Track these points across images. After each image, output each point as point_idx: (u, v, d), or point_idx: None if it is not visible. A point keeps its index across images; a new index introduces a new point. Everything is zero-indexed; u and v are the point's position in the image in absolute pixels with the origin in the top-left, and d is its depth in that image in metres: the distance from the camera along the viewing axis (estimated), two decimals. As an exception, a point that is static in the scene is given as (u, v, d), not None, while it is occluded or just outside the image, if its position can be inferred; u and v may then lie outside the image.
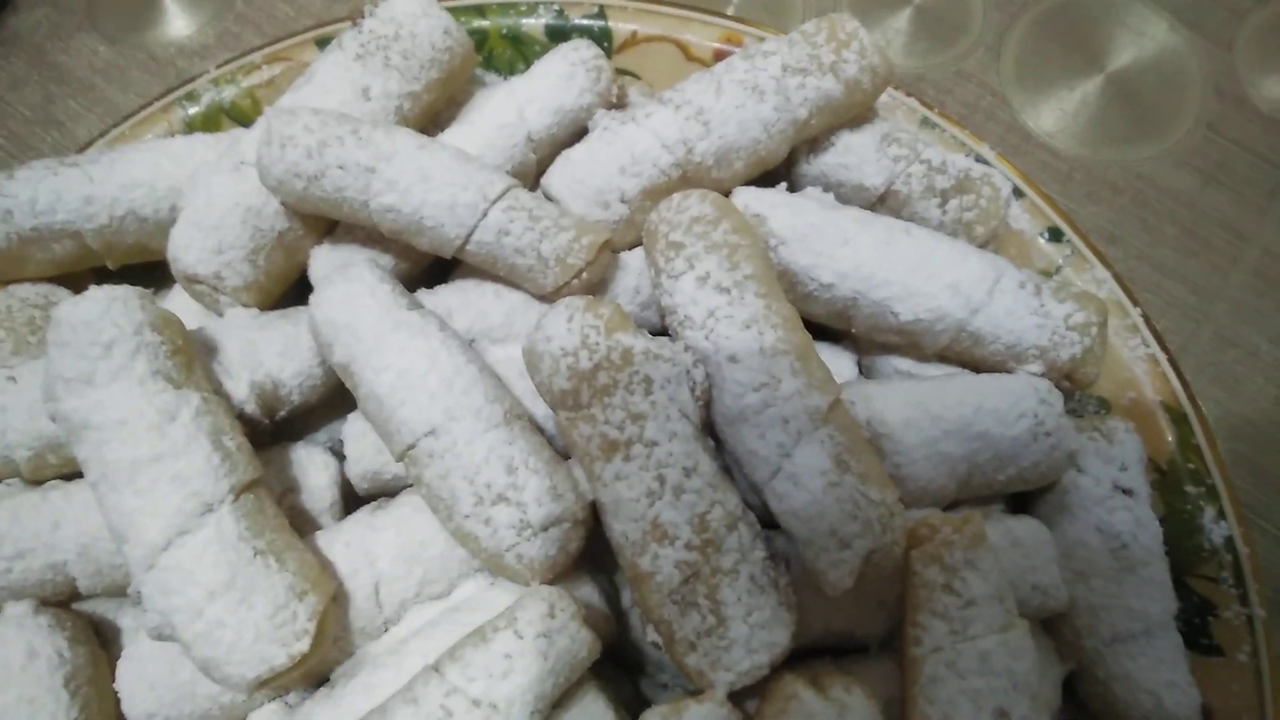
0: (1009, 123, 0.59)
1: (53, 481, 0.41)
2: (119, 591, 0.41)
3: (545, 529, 0.36)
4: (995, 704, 0.35)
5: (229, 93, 0.52)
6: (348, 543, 0.39)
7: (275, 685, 0.35)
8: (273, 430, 0.42)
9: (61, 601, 0.41)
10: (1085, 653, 0.42)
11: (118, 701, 0.39)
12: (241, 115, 0.52)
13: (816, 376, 0.38)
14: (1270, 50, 0.61)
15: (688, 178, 0.43)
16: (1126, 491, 0.43)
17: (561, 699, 0.37)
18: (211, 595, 0.34)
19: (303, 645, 0.35)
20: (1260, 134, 0.58)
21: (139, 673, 0.38)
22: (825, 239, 0.43)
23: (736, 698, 0.36)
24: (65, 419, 0.36)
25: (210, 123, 0.52)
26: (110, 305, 0.36)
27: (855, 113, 0.46)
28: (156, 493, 0.35)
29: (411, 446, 0.37)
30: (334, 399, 0.44)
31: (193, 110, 0.52)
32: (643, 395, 0.37)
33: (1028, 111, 0.59)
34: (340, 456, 0.42)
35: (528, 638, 0.35)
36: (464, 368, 0.38)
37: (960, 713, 0.35)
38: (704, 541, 0.36)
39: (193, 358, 0.38)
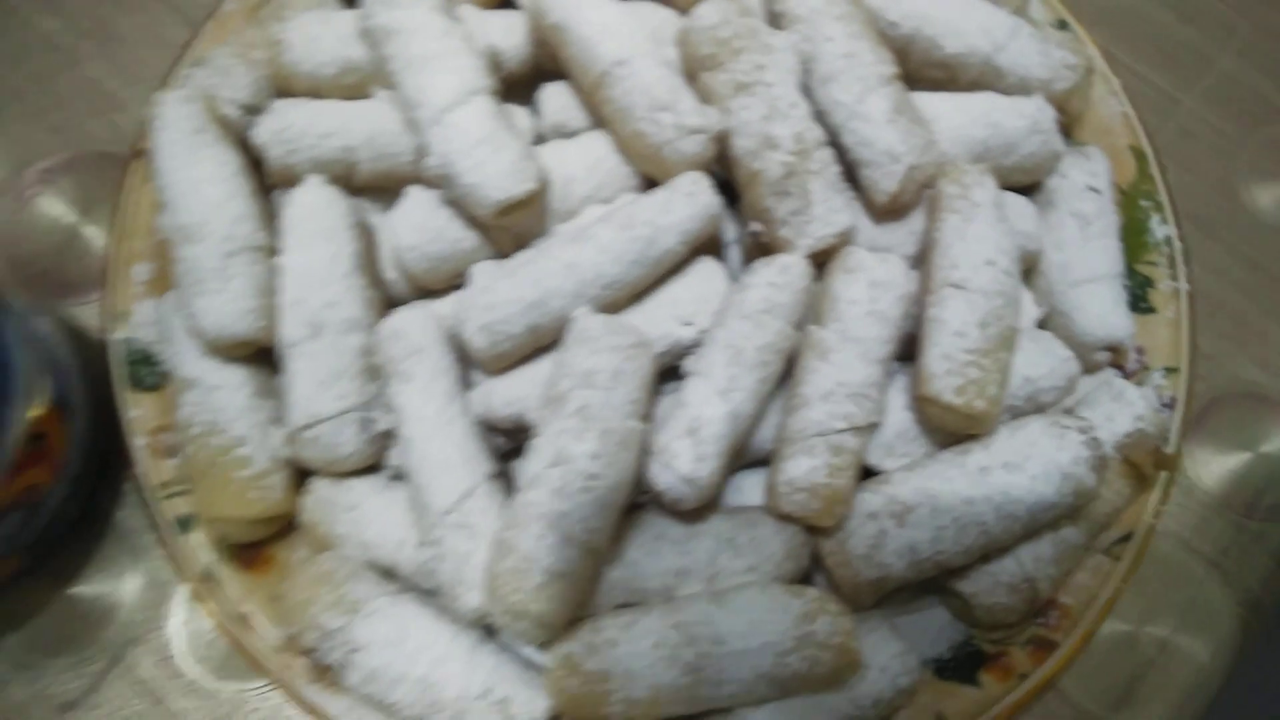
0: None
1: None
2: (385, 182, 0.59)
3: (693, 133, 0.54)
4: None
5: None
6: (550, 150, 0.57)
7: (509, 213, 0.53)
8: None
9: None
10: (1055, 295, 0.58)
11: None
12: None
13: (883, 56, 0.56)
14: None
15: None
16: (1095, 190, 0.61)
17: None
18: (478, 142, 0.51)
19: (531, 186, 0.52)
20: None
21: (408, 213, 0.55)
22: (896, -10, 0.60)
23: (811, 259, 0.54)
24: (380, 28, 0.54)
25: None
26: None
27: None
28: (442, 75, 0.52)
29: (604, 73, 0.55)
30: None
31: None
32: (763, 54, 0.54)
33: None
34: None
35: (680, 193, 0.52)
36: (640, 30, 0.55)
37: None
38: (800, 150, 0.53)
39: (454, 13, 0.57)
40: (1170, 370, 0.57)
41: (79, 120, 0.72)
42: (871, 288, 0.51)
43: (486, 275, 0.54)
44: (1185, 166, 0.71)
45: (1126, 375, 0.58)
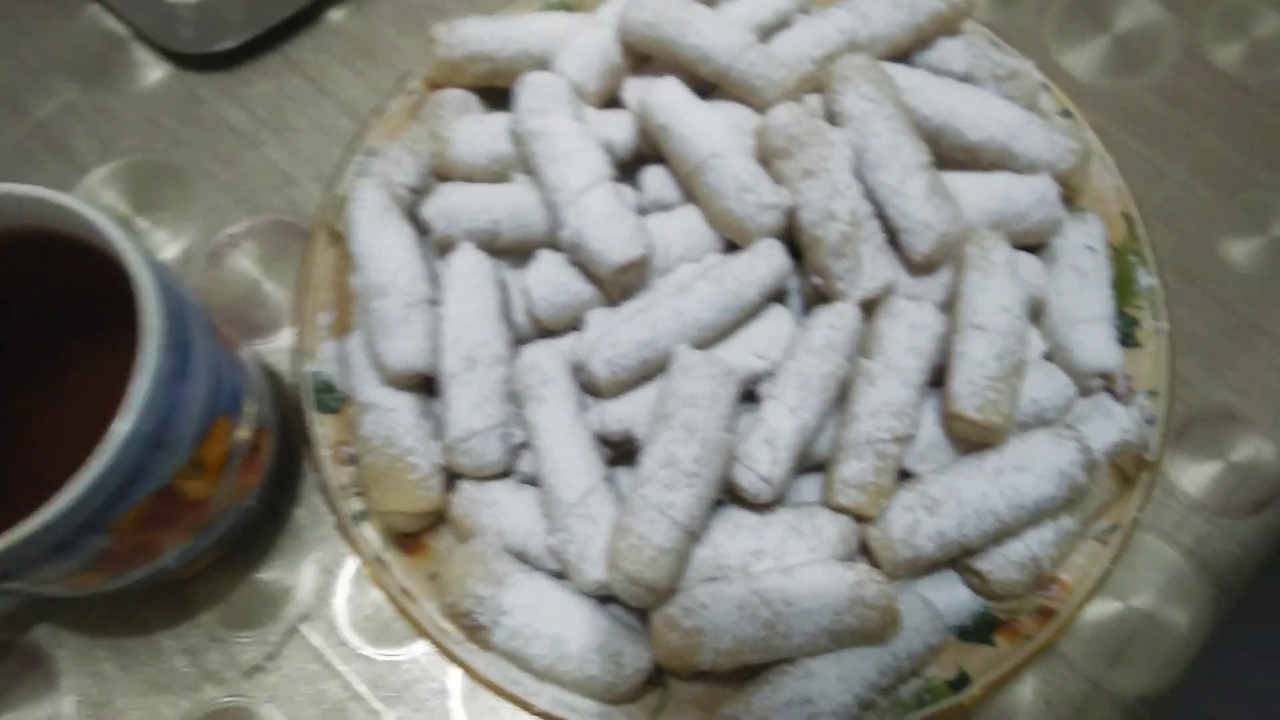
0: (1045, 58, 0.91)
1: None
2: (518, 247, 0.73)
3: (770, 208, 0.68)
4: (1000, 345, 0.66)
5: (566, -6, 0.86)
6: (651, 221, 0.72)
7: (623, 275, 0.67)
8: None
9: (482, 251, 0.74)
10: (1058, 333, 0.69)
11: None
12: (573, 8, 0.86)
13: (921, 148, 0.69)
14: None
15: (851, 49, 0.76)
16: (1091, 249, 0.74)
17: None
18: (604, 217, 0.65)
19: (643, 251, 0.66)
20: (1210, 80, 0.91)
21: (541, 270, 0.69)
22: (929, 90, 0.73)
23: (862, 306, 0.67)
24: (528, 131, 0.69)
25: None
26: (555, 80, 0.70)
27: (950, 27, 0.79)
28: (578, 167, 0.66)
29: (701, 163, 0.69)
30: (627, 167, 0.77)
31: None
32: (826, 147, 0.68)
33: (1057, 52, 0.91)
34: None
35: (761, 255, 0.67)
36: (730, 129, 0.70)
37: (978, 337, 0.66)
38: (854, 222, 0.67)
39: (583, 117, 0.72)
40: (1152, 393, 0.69)
41: (260, 194, 0.88)
42: (910, 329, 0.65)
43: (602, 320, 0.69)
44: (1172, 226, 0.84)
45: (1117, 397, 0.70)
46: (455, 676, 0.72)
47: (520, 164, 0.72)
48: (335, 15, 0.96)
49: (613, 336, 0.65)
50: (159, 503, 0.59)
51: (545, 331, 0.74)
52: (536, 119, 0.69)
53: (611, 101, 0.79)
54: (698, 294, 0.65)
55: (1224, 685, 0.80)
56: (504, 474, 0.70)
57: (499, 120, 0.73)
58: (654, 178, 0.75)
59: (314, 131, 0.90)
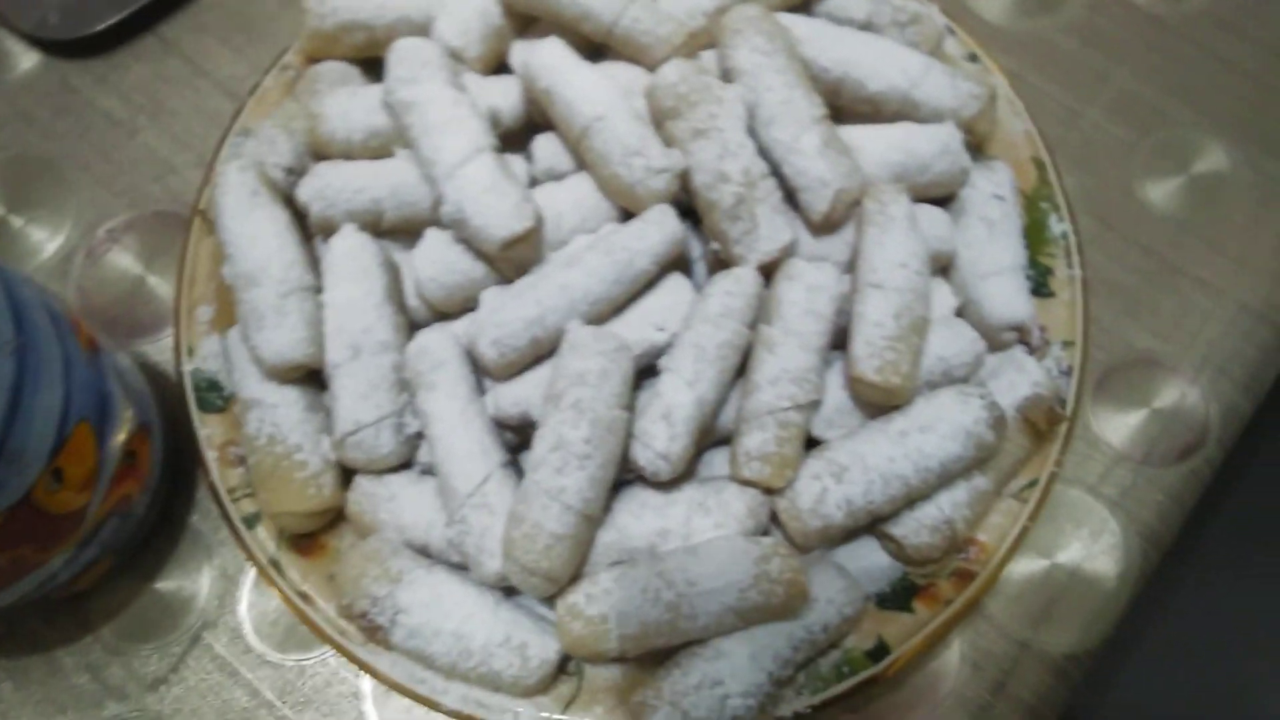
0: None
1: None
2: (406, 226, 0.69)
3: (660, 172, 0.65)
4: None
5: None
6: (541, 192, 0.68)
7: (511, 247, 0.64)
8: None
9: (366, 233, 0.70)
10: (967, 287, 0.68)
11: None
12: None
13: (815, 101, 0.66)
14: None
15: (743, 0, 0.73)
16: (999, 197, 0.71)
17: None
18: (484, 190, 0.62)
19: (529, 224, 0.63)
20: (1124, 15, 0.88)
21: (427, 251, 0.66)
22: (826, 39, 0.70)
23: (762, 270, 0.65)
24: (400, 102, 0.65)
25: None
26: (427, 46, 0.66)
27: (849, -27, 0.76)
28: (454, 139, 0.62)
29: (586, 128, 0.66)
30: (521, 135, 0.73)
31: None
32: (716, 105, 0.65)
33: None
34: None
35: (651, 223, 0.64)
36: (614, 90, 0.67)
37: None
38: (748, 182, 0.64)
39: (461, 84, 0.68)
40: (1068, 343, 0.67)
41: (139, 184, 0.84)
42: (808, 291, 0.62)
43: (494, 299, 0.65)
44: (1087, 170, 0.82)
45: (1031, 350, 0.67)
46: (368, 679, 0.69)
47: (400, 138, 0.68)
48: (214, -10, 0.91)
49: (499, 316, 0.62)
50: (18, 518, 0.56)
51: (442, 315, 0.70)
52: (407, 89, 0.65)
53: (501, 67, 0.75)
54: (586, 266, 0.62)
55: (1155, 640, 0.78)
56: (404, 465, 0.67)
57: (374, 92, 0.69)
58: (545, 146, 0.71)
59: (193, 115, 0.85)
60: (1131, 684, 0.78)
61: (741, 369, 0.64)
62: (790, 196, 0.67)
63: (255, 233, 0.64)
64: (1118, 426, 0.74)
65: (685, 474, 0.62)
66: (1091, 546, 0.70)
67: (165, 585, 0.72)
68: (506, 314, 0.62)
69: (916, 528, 0.61)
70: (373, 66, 0.75)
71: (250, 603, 0.72)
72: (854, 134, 0.68)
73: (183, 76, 0.87)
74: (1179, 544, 0.71)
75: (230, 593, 0.72)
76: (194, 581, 0.73)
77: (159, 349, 0.78)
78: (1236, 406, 0.74)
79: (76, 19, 0.86)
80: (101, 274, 0.81)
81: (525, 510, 0.58)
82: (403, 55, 0.65)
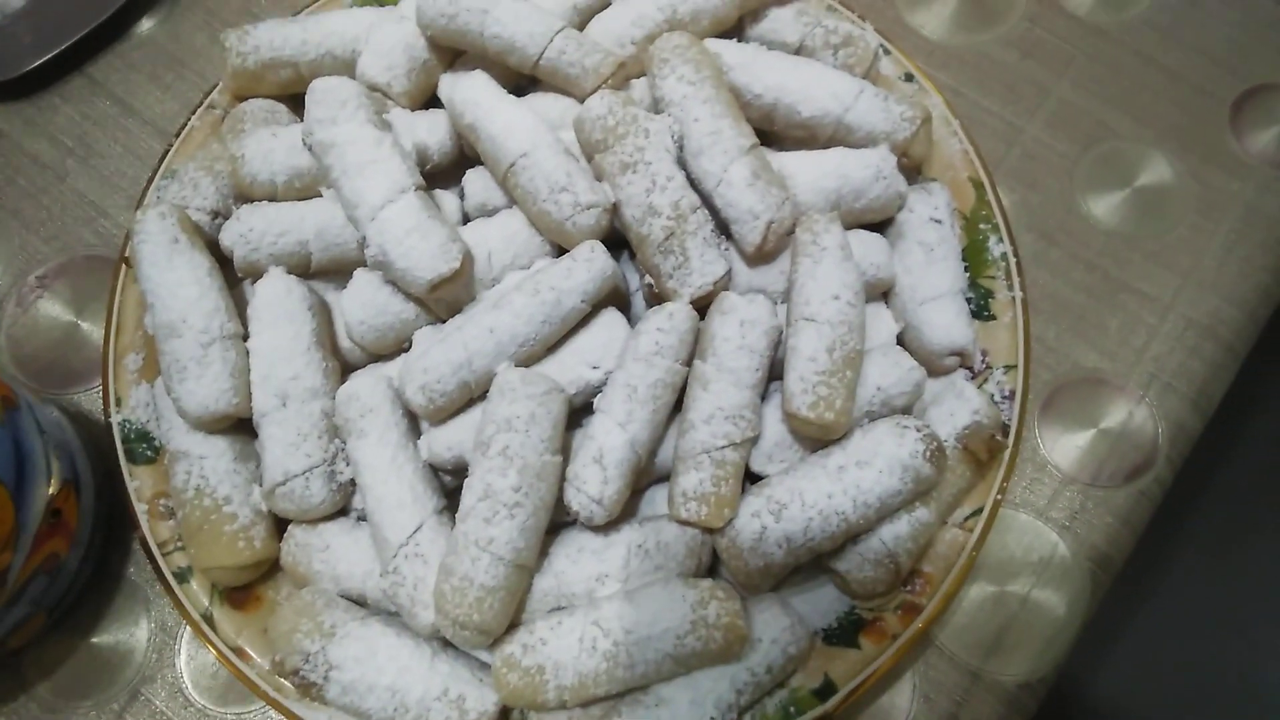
0: (893, 17, 0.87)
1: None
2: (336, 267, 0.68)
3: (589, 208, 0.63)
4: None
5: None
6: (472, 229, 0.67)
7: (439, 288, 0.62)
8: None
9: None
10: (907, 312, 0.66)
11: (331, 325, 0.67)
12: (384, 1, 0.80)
13: (744, 130, 0.65)
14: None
15: (672, 27, 0.71)
16: (937, 221, 0.70)
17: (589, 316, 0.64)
18: (407, 232, 0.60)
19: (454, 264, 0.62)
20: (1064, 26, 0.87)
21: (356, 294, 0.65)
22: (758, 65, 0.69)
23: (696, 304, 0.63)
24: (319, 144, 0.64)
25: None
26: (345, 85, 0.65)
27: (781, -4, 0.75)
28: (375, 180, 0.61)
29: (512, 165, 0.65)
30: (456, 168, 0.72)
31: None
32: (644, 137, 0.64)
33: (906, 11, 0.88)
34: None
35: (580, 260, 0.62)
36: (539, 125, 0.65)
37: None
38: (677, 216, 0.63)
39: (384, 122, 0.67)
40: (1009, 367, 0.67)
41: (70, 228, 0.82)
42: (742, 326, 0.61)
43: (425, 340, 0.64)
44: (1029, 185, 0.81)
45: (974, 375, 0.67)
46: (311, 730, 0.67)
47: (324, 178, 0.66)
48: (143, 26, 0.90)
49: (425, 361, 0.61)
50: (-72, 585, 0.54)
51: (377, 356, 0.69)
52: (326, 130, 0.63)
53: (431, 100, 0.74)
54: (513, 308, 0.61)
55: (1109, 664, 0.77)
56: (339, 513, 0.65)
57: (296, 132, 0.68)
58: (475, 180, 0.70)
59: (123, 156, 0.84)
60: (1087, 711, 0.77)
61: (679, 404, 0.62)
62: (724, 228, 0.65)
63: (175, 281, 0.63)
64: (1065, 448, 0.73)
65: (624, 514, 0.61)
66: (1042, 572, 0.69)
67: (103, 640, 0.70)
68: (433, 359, 0.61)
69: (860, 562, 0.60)
70: (302, 102, 0.74)
71: (189, 655, 0.70)
72: (787, 160, 0.67)
73: (111, 116, 0.85)
74: (1129, 567, 0.70)
75: (169, 646, 0.70)
76: (131, 635, 0.71)
77: (91, 398, 0.76)
78: (1185, 424, 0.74)
79: (2, 62, 0.84)
80: (32, 321, 0.79)
81: (455, 562, 0.56)
82: (320, 95, 0.64)
